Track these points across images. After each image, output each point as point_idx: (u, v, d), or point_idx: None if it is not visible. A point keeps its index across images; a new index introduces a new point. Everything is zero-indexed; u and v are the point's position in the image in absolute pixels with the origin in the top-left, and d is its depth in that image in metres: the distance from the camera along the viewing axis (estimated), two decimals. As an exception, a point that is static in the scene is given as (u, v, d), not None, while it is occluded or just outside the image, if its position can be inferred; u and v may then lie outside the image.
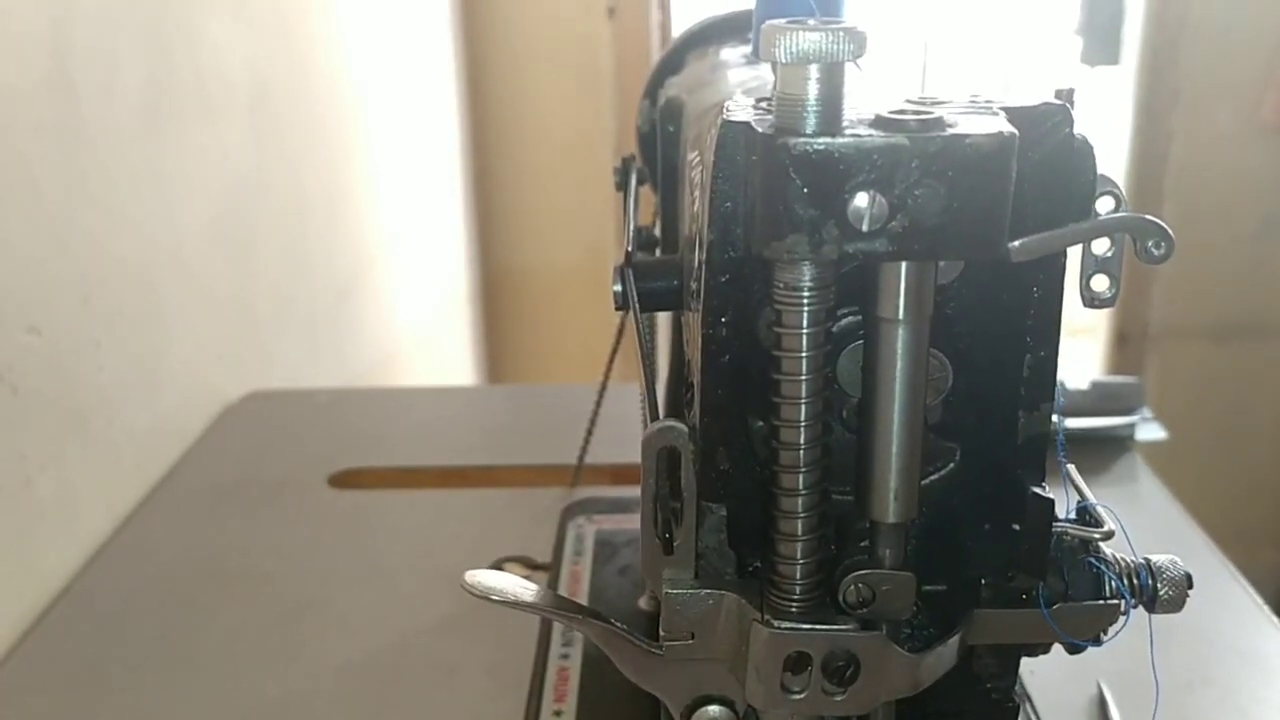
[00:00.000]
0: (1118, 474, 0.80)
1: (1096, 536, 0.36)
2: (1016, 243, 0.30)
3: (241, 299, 1.00)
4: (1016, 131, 0.29)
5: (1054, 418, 0.35)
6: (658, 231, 0.56)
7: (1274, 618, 0.64)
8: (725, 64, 0.53)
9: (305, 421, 0.93)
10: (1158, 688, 0.42)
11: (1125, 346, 1.85)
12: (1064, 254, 0.33)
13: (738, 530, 0.35)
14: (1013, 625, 0.36)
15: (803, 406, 0.32)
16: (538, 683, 0.55)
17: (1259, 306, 1.81)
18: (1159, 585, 0.36)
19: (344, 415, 0.95)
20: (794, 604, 0.34)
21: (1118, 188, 0.33)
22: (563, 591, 0.62)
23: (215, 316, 0.95)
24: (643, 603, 0.60)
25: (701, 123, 0.39)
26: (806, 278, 0.31)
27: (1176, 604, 0.36)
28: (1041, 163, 0.32)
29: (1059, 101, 0.32)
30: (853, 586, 0.34)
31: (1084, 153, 0.32)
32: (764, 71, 0.45)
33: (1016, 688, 0.39)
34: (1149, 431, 0.84)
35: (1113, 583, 0.36)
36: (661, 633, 0.36)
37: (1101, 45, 1.80)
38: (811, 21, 0.29)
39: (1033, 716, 0.53)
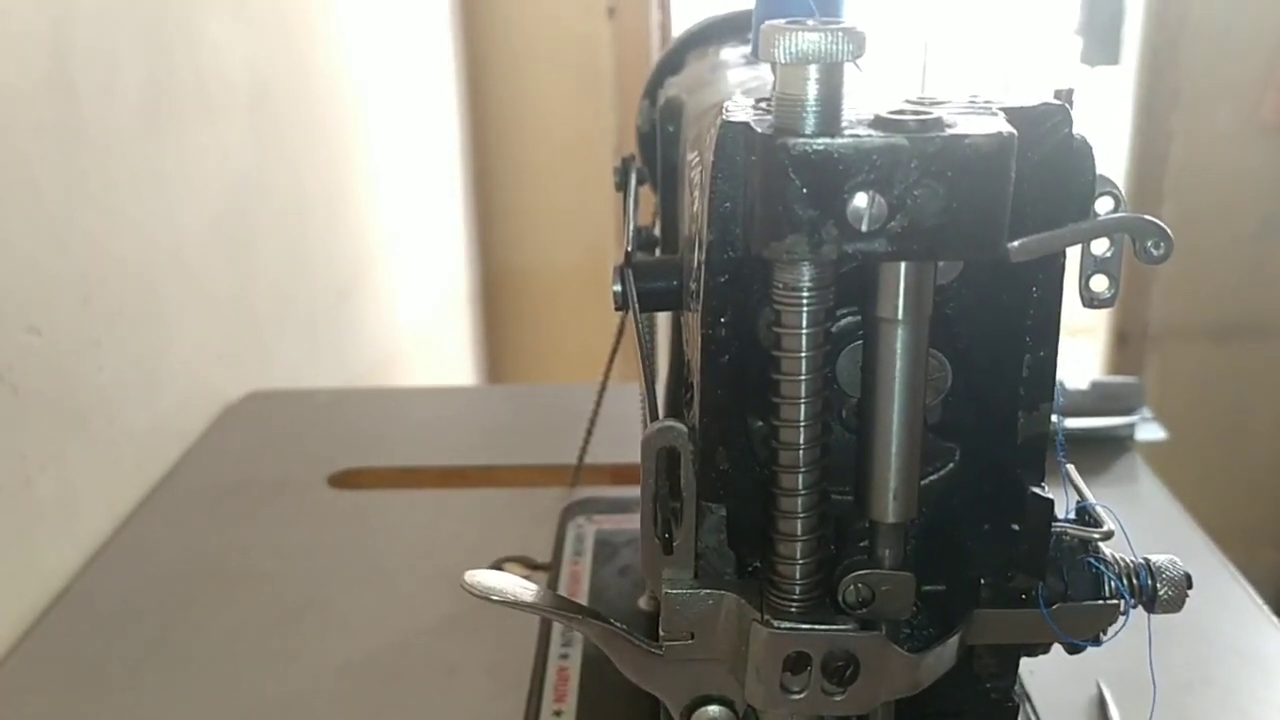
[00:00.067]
0: (1117, 474, 0.80)
1: (1096, 536, 0.36)
2: (1016, 243, 0.30)
3: (241, 299, 1.00)
4: (1016, 132, 0.29)
5: (1053, 418, 0.35)
6: (657, 231, 0.56)
7: (1274, 618, 0.64)
8: (725, 64, 0.53)
9: (305, 421, 0.93)
10: (1156, 688, 0.42)
11: (1125, 346, 1.85)
12: (1063, 254, 0.33)
13: (737, 530, 0.35)
14: (1012, 625, 0.36)
15: (802, 406, 0.32)
16: (537, 683, 0.55)
17: (1259, 306, 1.81)
18: (1158, 585, 0.36)
19: (344, 415, 0.95)
20: (794, 604, 0.34)
21: (1117, 188, 0.33)
22: (563, 591, 0.62)
23: (215, 316, 0.95)
24: (642, 603, 0.60)
25: (701, 123, 0.39)
26: (806, 278, 0.31)
27: (1176, 604, 0.36)
28: (1041, 163, 0.32)
29: (1058, 102, 0.32)
30: (852, 586, 0.34)
31: (1083, 153, 0.32)
32: (763, 72, 0.45)
33: (1016, 688, 0.39)
34: (1149, 431, 0.84)
35: (1112, 583, 0.36)
36: (661, 633, 0.36)
37: (1101, 45, 1.80)
38: (811, 22, 0.29)
39: (1032, 716, 0.53)
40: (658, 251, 0.55)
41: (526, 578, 0.38)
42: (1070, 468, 0.38)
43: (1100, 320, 1.90)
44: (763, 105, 0.32)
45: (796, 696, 0.34)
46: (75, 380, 0.74)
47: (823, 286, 0.31)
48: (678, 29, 0.73)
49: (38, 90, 0.69)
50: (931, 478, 0.36)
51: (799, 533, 0.33)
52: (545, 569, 0.66)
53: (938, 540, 0.36)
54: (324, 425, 0.92)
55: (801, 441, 0.33)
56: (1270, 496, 1.87)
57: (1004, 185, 0.29)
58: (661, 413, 0.38)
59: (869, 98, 0.31)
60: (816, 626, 0.34)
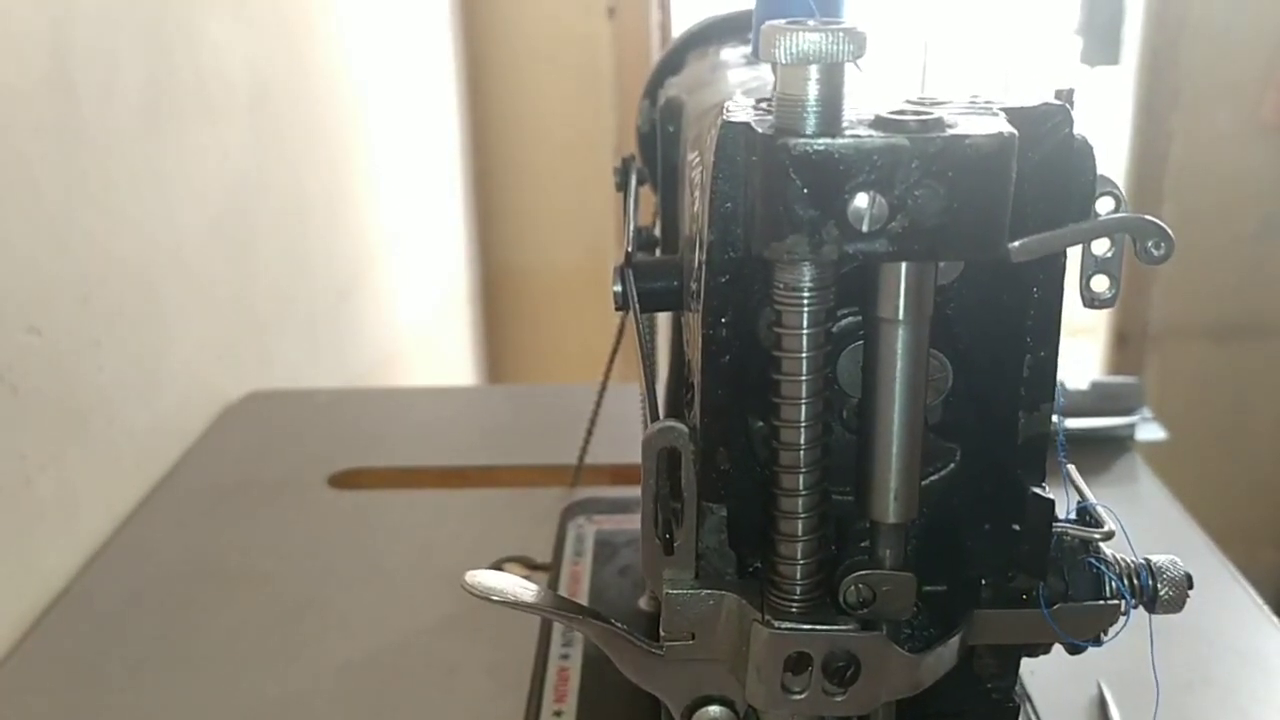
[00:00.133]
0: (1118, 474, 0.80)
1: (1097, 537, 0.36)
2: (1016, 243, 0.30)
3: (241, 299, 1.00)
4: (1016, 132, 0.29)
5: (1054, 418, 0.35)
6: (658, 232, 0.56)
7: (1274, 618, 0.64)
8: (725, 64, 0.53)
9: (305, 421, 0.93)
10: (1158, 688, 0.42)
11: (1125, 346, 1.85)
12: (1064, 254, 0.33)
13: (738, 530, 0.35)
14: (1013, 625, 0.36)
15: (803, 407, 0.32)
16: (538, 683, 0.55)
17: (1259, 306, 1.81)
18: (1159, 585, 0.36)
19: (344, 415, 0.95)
20: (794, 604, 0.34)
21: (1118, 188, 0.33)
22: (563, 592, 0.62)
23: (215, 316, 0.95)
24: (643, 603, 0.60)
25: (701, 123, 0.39)
26: (806, 278, 0.31)
27: (1177, 604, 0.36)
28: (1041, 163, 0.32)
29: (1059, 102, 0.32)
30: (853, 587, 0.34)
31: (1084, 153, 0.32)
32: (764, 72, 0.45)
33: (1017, 688, 0.39)
34: (1149, 431, 0.84)
35: (1113, 583, 0.36)
36: (662, 633, 0.36)
37: (1101, 45, 1.80)
38: (811, 22, 0.29)
39: (1033, 717, 0.53)
40: (658, 252, 0.55)
41: (527, 578, 0.38)
42: (1071, 468, 0.38)
43: (1100, 320, 1.90)
44: (763, 105, 0.32)
45: (797, 697, 0.34)
46: (75, 380, 0.74)
47: (823, 287, 0.31)
48: (678, 29, 0.73)
49: (38, 90, 0.69)
50: (932, 478, 0.36)
51: (800, 533, 0.33)
52: (545, 569, 0.66)
53: (938, 540, 0.36)
54: (324, 425, 0.92)
55: (802, 442, 0.33)
56: (1270, 496, 1.87)
57: (1005, 185, 0.29)
58: (662, 413, 0.38)
59: (870, 98, 0.31)
60: (817, 627, 0.34)
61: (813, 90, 0.29)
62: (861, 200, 0.29)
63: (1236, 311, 1.81)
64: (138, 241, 0.81)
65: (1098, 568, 0.36)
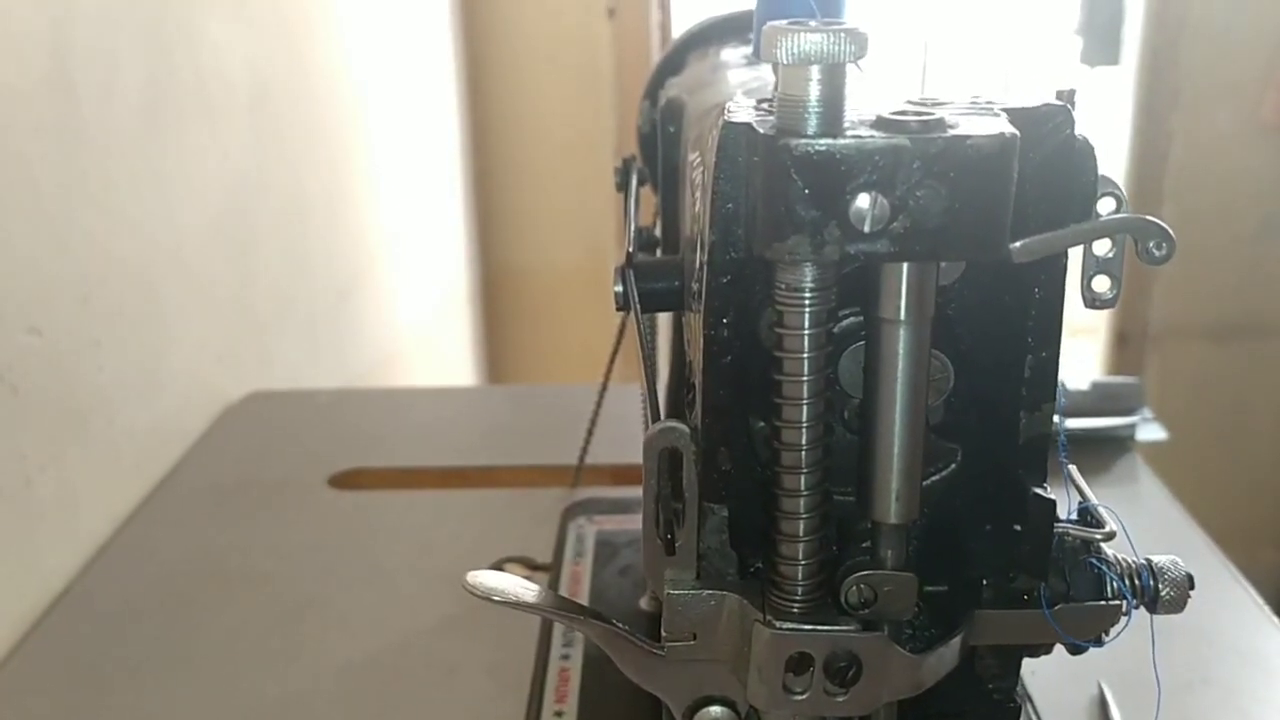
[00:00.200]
0: (1118, 474, 0.80)
1: (1098, 537, 0.36)
2: (1018, 244, 0.30)
3: (241, 299, 1.00)
4: (1018, 132, 0.29)
5: (1055, 418, 0.35)
6: (658, 232, 0.56)
7: (1274, 618, 0.64)
8: (726, 64, 0.53)
9: (305, 422, 0.93)
10: (1159, 688, 0.42)
11: (1125, 347, 1.85)
12: (1065, 255, 0.33)
13: (739, 531, 0.35)
14: (1014, 626, 0.36)
15: (804, 407, 0.32)
16: (538, 683, 0.55)
17: (1259, 306, 1.81)
18: (1160, 586, 0.36)
19: (344, 416, 0.95)
20: (796, 605, 0.34)
21: (1119, 188, 0.33)
22: (563, 592, 0.62)
23: (215, 316, 0.95)
24: (644, 603, 0.60)
25: (702, 123, 0.39)
26: (808, 279, 0.31)
27: (1178, 604, 0.36)
28: (1043, 164, 0.32)
29: (1060, 102, 0.32)
30: (855, 587, 0.34)
31: (1085, 153, 0.32)
32: (765, 72, 0.45)
33: (1018, 688, 0.39)
34: (1149, 432, 0.84)
35: (1114, 583, 0.36)
36: (663, 633, 0.36)
37: (1101, 45, 1.80)
38: (813, 23, 0.29)
39: (1034, 717, 0.53)
40: (659, 252, 0.55)
41: (527, 578, 0.38)
42: (1072, 468, 0.38)
43: (1100, 320, 1.90)
44: (765, 106, 0.32)
45: (799, 697, 0.34)
46: (75, 380, 0.73)
47: (825, 287, 0.31)
48: (678, 29, 0.73)
49: (38, 90, 0.69)
50: (933, 478, 0.36)
51: (801, 533, 0.33)
52: (546, 569, 0.66)
53: (940, 541, 0.36)
54: (324, 426, 0.92)
55: (803, 442, 0.33)
56: (1270, 496, 1.87)
57: (1006, 186, 0.29)
58: (663, 413, 0.38)
59: (871, 98, 0.31)
60: (819, 627, 0.34)
61: (814, 91, 0.29)
62: (863, 201, 0.29)
63: (1236, 311, 1.81)
64: (138, 241, 0.81)
65: (1099, 568, 0.36)
